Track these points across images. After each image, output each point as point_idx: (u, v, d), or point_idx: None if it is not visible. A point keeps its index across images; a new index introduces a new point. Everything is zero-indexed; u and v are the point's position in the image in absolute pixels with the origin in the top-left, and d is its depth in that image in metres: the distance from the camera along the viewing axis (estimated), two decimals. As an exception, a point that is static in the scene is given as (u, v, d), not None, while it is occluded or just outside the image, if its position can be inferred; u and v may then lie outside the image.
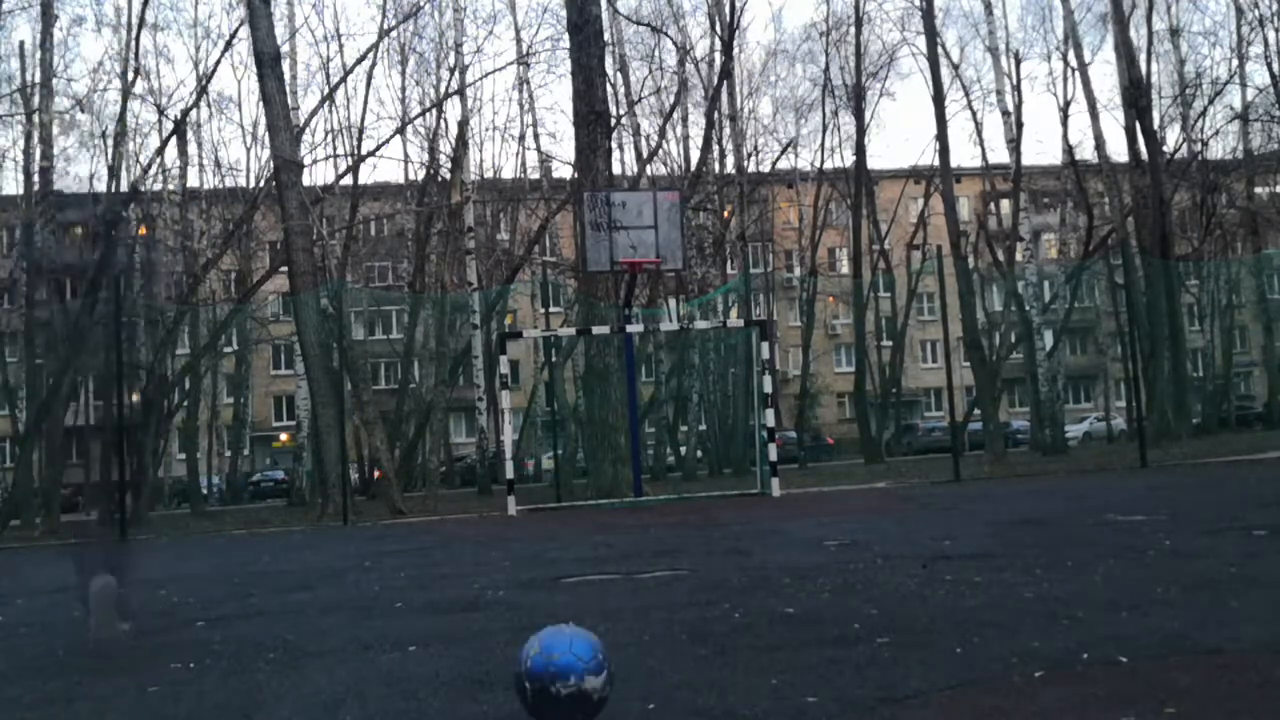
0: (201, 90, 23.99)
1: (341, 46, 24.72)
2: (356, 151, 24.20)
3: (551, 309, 22.73)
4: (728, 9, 24.07)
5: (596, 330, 14.85)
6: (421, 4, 24.67)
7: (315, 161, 26.69)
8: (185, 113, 23.46)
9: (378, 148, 24.66)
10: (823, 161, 35.08)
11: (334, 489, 16.57)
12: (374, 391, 20.44)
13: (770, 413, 14.28)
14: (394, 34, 24.42)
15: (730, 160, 29.91)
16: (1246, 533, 5.74)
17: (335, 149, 23.84)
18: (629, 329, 14.59)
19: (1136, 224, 24.29)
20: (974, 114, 34.79)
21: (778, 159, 35.57)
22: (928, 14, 22.29)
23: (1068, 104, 29.49)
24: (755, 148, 35.38)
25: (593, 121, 17.55)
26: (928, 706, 2.60)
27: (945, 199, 21.30)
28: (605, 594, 5.13)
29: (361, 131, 24.21)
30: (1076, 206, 32.90)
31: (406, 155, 25.64)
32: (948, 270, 17.43)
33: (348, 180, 23.99)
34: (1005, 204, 41.62)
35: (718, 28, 24.46)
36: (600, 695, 2.51)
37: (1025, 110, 27.43)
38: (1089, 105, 25.92)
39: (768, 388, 14.25)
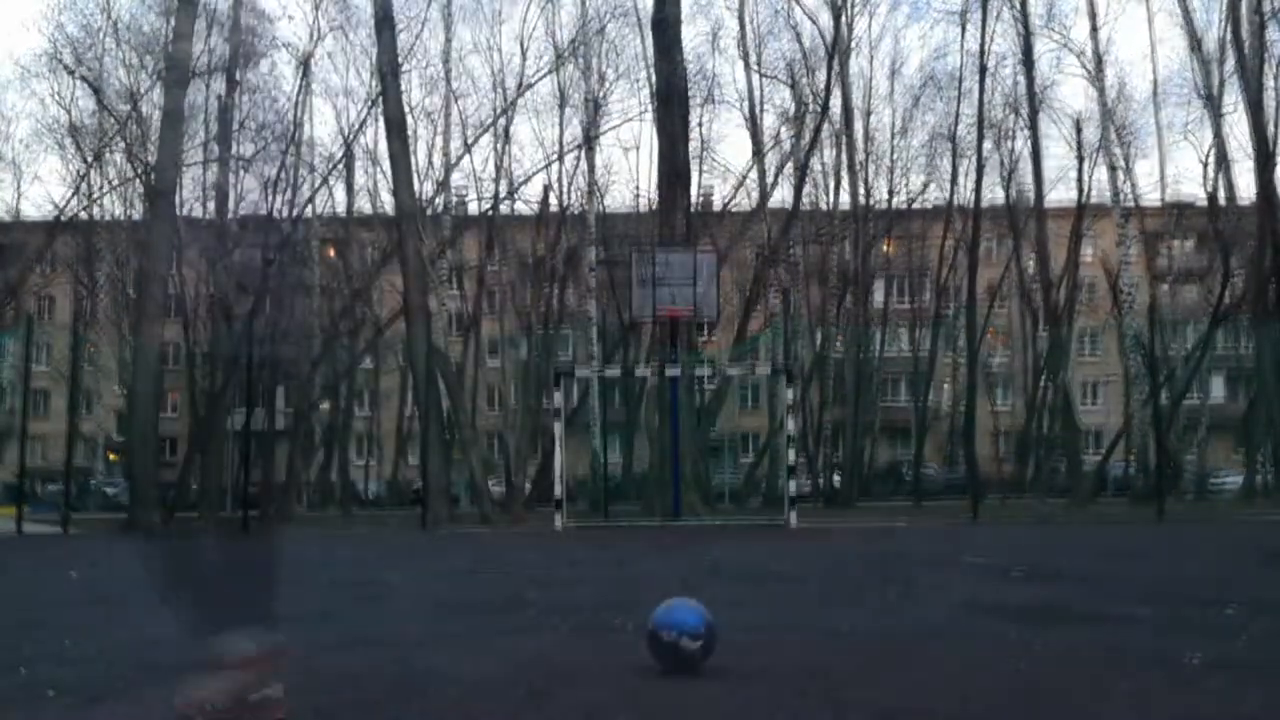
0: (347, 147, 27.81)
1: (502, 91, 27.64)
2: (495, 193, 27.04)
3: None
4: (829, 74, 25.28)
5: (640, 372, 16.66)
6: (563, 58, 26.97)
7: (460, 201, 29.86)
8: (332, 167, 27.38)
9: (514, 189, 27.24)
10: (978, 196, 35.20)
11: (436, 498, 19.02)
12: (484, 414, 22.85)
13: (792, 452, 15.64)
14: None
15: (857, 197, 30.91)
16: None
17: (478, 191, 26.96)
18: (669, 372, 16.32)
19: (1258, 283, 23.81)
20: (1126, 159, 33.98)
21: (917, 196, 36.00)
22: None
23: (1207, 153, 28.81)
24: (900, 185, 36.16)
25: (674, 180, 19.44)
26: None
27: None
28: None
29: (499, 174, 27.04)
30: (1213, 253, 31.89)
31: (546, 201, 27.97)
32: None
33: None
34: (1174, 244, 40.54)
35: (832, 76, 25.66)
36: (690, 653, 3.23)
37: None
38: (1218, 156, 25.54)
39: (791, 428, 15.68)
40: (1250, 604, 5.02)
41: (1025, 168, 32.11)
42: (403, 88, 21.34)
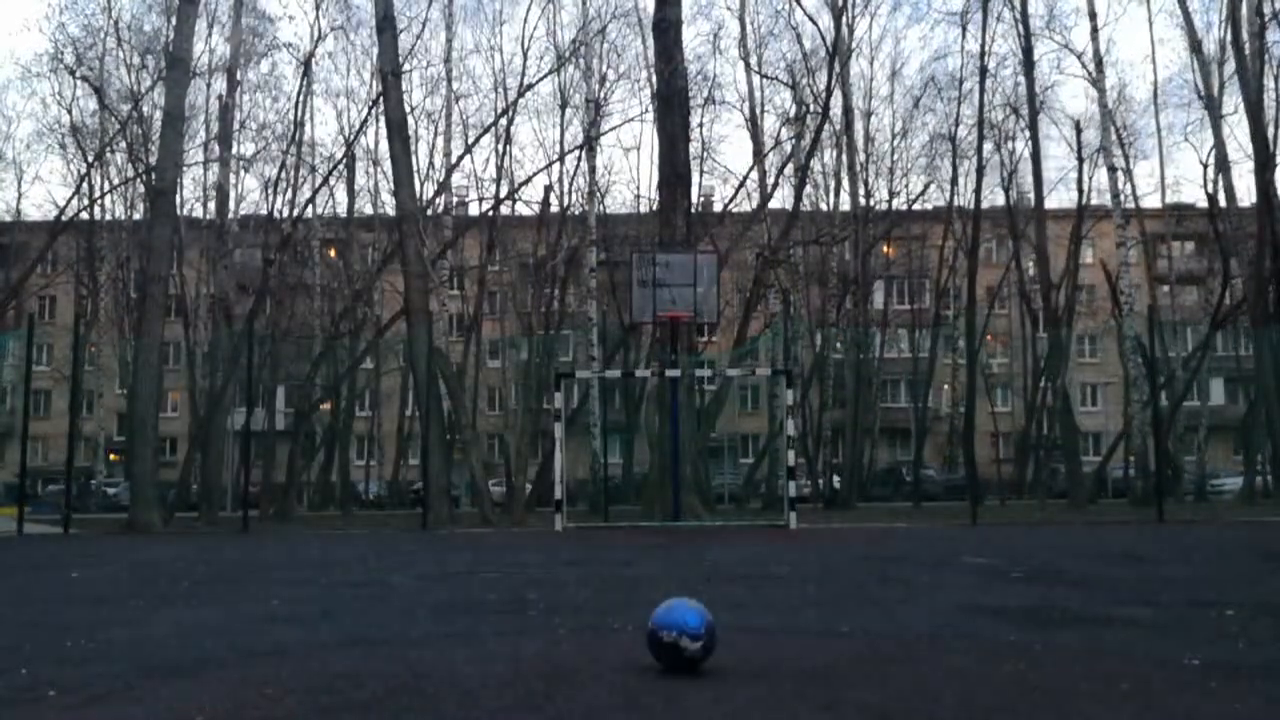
0: (348, 148, 27.95)
1: (503, 92, 27.55)
2: (497, 194, 27.06)
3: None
4: (829, 75, 25.26)
5: (640, 374, 16.66)
6: (564, 59, 26.98)
7: (461, 202, 29.87)
8: (333, 168, 27.54)
9: (515, 191, 27.23)
10: (978, 200, 35.02)
11: (437, 499, 19.01)
12: (485, 416, 22.83)
13: (792, 453, 15.64)
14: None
15: (858, 199, 30.97)
16: None
17: (478, 193, 27.04)
18: (669, 373, 16.32)
19: (1258, 286, 23.80)
20: (1126, 161, 33.91)
21: (917, 198, 36.01)
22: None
23: (1208, 155, 28.82)
24: (900, 187, 36.20)
25: (674, 182, 19.44)
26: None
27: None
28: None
29: (500, 175, 27.08)
30: (1213, 256, 31.91)
31: (547, 203, 27.97)
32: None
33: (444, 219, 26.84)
34: (1174, 247, 40.56)
35: (833, 78, 25.63)
36: (691, 654, 3.26)
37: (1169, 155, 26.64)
38: (1218, 159, 25.58)
39: (791, 430, 15.69)
40: (1250, 605, 5.03)
41: (1025, 170, 32.10)
42: (404, 89, 21.36)
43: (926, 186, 36.10)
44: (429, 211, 25.07)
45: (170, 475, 25.95)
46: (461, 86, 35.59)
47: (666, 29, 19.85)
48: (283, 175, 27.25)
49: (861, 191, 32.12)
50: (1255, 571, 7.50)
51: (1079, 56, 29.14)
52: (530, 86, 26.61)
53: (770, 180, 28.28)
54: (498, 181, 27.27)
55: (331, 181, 28.77)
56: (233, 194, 27.02)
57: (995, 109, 31.71)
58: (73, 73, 27.05)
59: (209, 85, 27.79)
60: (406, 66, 24.23)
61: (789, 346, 29.65)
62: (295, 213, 27.31)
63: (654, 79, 22.82)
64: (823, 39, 28.21)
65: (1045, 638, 4.09)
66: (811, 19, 29.08)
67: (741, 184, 28.17)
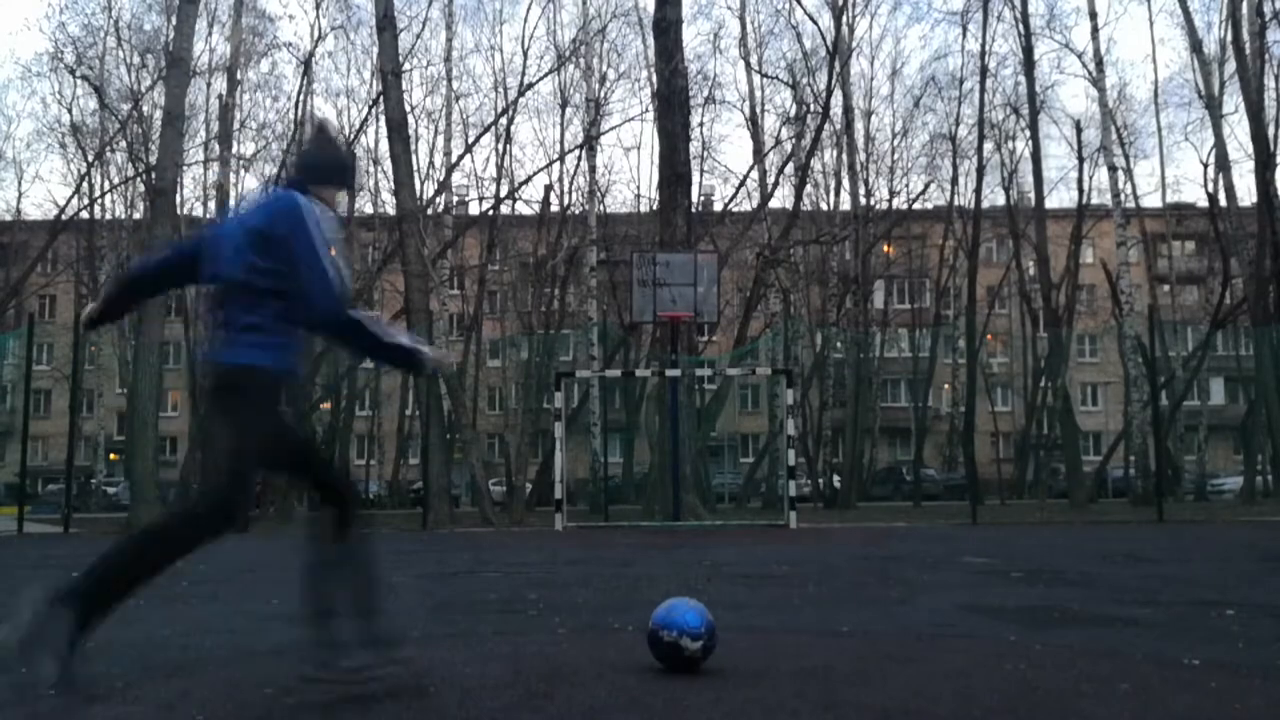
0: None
1: (503, 91, 27.57)
2: (497, 194, 27.08)
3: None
4: (830, 75, 25.22)
5: (640, 373, 16.66)
6: (565, 58, 26.99)
7: (461, 202, 29.88)
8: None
9: (514, 189, 27.26)
10: (978, 199, 34.91)
11: (437, 499, 19.02)
12: (485, 416, 22.82)
13: (792, 453, 15.65)
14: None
15: (858, 199, 30.97)
16: None
17: (478, 192, 27.12)
18: (669, 373, 16.33)
19: (1258, 286, 23.80)
20: (1127, 161, 33.85)
21: (918, 197, 36.00)
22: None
23: (1208, 155, 28.82)
24: (900, 187, 36.20)
25: (674, 182, 19.44)
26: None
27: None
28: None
29: (500, 175, 27.10)
30: (1213, 256, 31.91)
31: (547, 202, 27.98)
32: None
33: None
34: (1174, 246, 40.57)
35: (834, 78, 25.60)
36: (691, 654, 3.29)
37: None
38: (1218, 159, 25.59)
39: (791, 430, 15.71)
40: (1250, 605, 5.03)
41: (1026, 169, 32.08)
42: (404, 88, 21.35)
43: (927, 186, 36.09)
44: (429, 211, 25.07)
45: (170, 475, 25.97)
46: (461, 86, 35.64)
47: (666, 28, 19.85)
48: (283, 175, 27.26)
49: (862, 191, 32.10)
50: (1255, 571, 7.50)
51: (1079, 56, 29.16)
52: (530, 86, 26.62)
53: (770, 180, 28.29)
54: (498, 181, 27.28)
55: (331, 181, 28.71)
56: (233, 194, 27.03)
57: (995, 109, 31.74)
58: (73, 72, 27.08)
59: (209, 85, 27.84)
60: (406, 66, 24.26)
61: (789, 346, 29.64)
62: (295, 212, 27.29)
63: (654, 79, 22.83)
64: (823, 38, 28.21)
65: (1045, 638, 4.09)
66: (812, 18, 29.02)
67: (741, 184, 28.17)
